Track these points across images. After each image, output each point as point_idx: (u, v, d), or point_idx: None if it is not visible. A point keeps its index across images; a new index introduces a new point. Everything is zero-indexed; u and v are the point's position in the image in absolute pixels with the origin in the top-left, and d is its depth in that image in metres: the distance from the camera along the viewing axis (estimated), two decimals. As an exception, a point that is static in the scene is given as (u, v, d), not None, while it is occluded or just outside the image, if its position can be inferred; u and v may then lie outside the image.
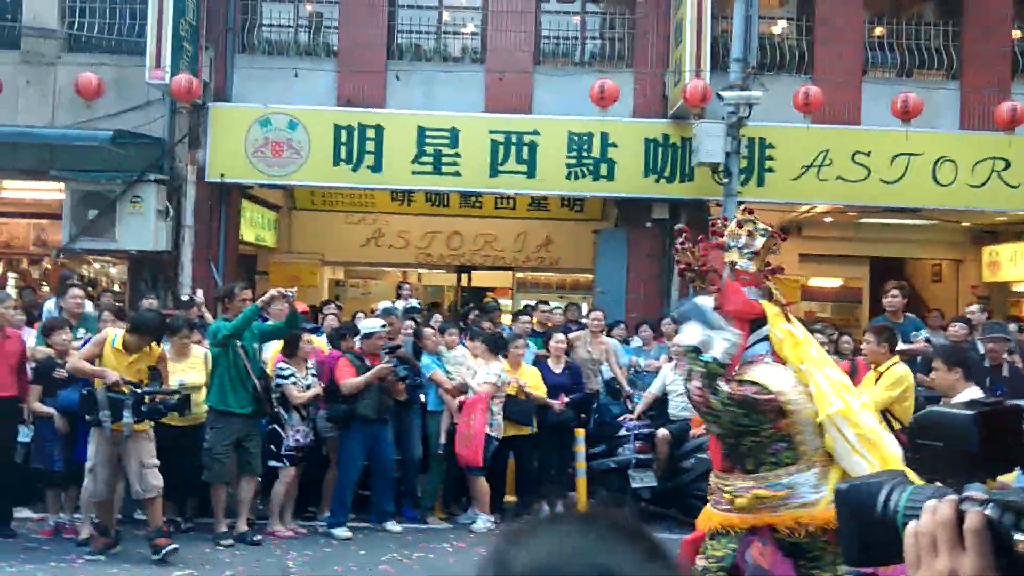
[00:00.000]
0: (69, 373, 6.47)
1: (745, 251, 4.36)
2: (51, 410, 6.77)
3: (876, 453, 3.98)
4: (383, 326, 7.56)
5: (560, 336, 8.25)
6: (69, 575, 5.82)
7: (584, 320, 9.54)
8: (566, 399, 7.79)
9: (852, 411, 4.02)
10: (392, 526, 7.27)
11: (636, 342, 9.42)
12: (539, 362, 8.11)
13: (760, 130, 10.28)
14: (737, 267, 4.33)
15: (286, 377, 7.14)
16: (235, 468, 6.94)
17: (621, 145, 10.57)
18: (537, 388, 7.67)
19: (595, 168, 10.61)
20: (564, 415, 7.78)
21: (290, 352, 7.26)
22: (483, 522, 7.33)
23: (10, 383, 6.59)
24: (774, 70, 10.88)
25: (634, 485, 7.49)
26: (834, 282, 14.81)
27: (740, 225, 4.38)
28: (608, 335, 8.96)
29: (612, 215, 12.20)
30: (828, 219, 12.78)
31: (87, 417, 6.17)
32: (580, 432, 7.87)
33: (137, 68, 10.50)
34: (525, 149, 10.69)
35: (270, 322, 7.46)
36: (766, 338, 4.23)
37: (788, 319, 4.32)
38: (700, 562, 4.15)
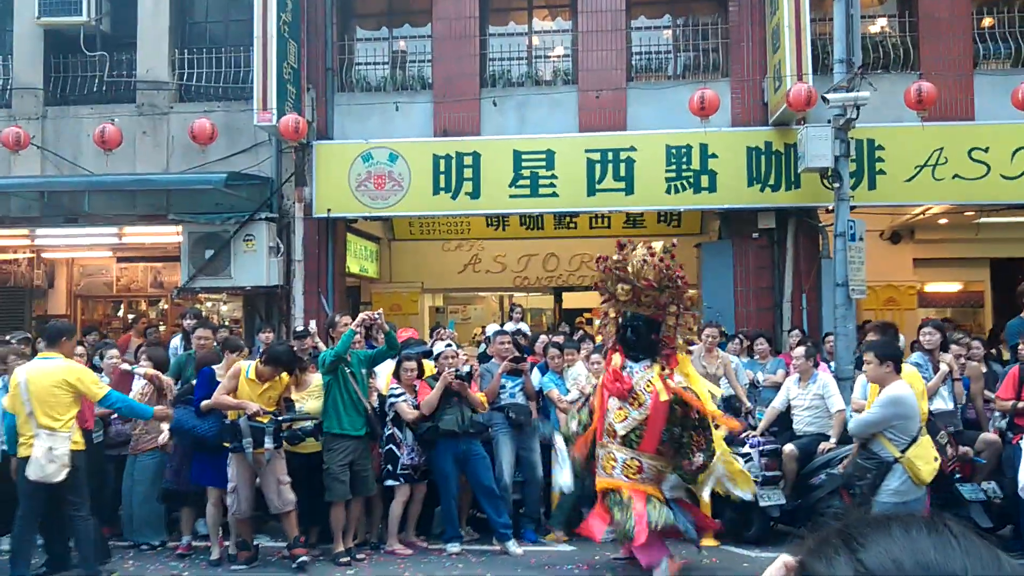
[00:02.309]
0: (210, 407, 6.84)
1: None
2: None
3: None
4: (447, 346, 7.75)
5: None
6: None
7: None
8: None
9: None
10: (513, 548, 7.24)
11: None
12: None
13: (869, 131, 9.94)
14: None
15: (397, 396, 7.35)
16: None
17: (722, 155, 10.38)
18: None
19: (695, 180, 10.44)
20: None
21: (398, 376, 7.51)
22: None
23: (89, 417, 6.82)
24: (878, 69, 10.53)
25: (761, 504, 7.21)
26: (952, 286, 14.10)
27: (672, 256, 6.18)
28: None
29: (713, 228, 11.98)
30: (943, 220, 12.22)
31: (230, 444, 6.61)
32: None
33: (243, 113, 10.97)
34: (622, 166, 10.62)
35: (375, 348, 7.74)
36: None
37: None
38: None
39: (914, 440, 5.43)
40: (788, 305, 10.49)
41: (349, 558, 6.99)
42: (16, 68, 11.79)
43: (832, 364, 8.60)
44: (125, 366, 7.72)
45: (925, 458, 5.42)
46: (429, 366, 8.03)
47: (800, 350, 7.77)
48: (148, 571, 6.80)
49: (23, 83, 11.71)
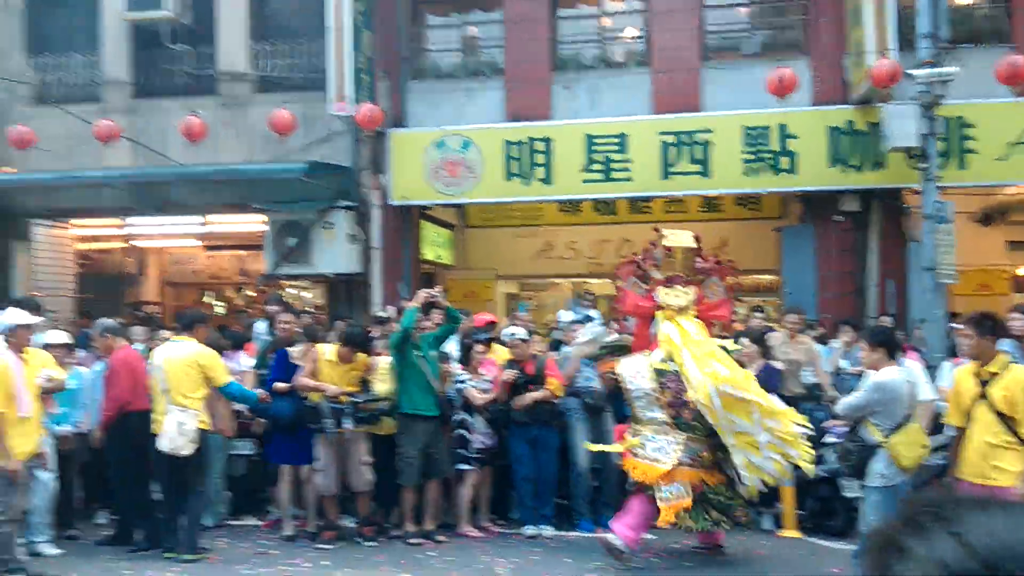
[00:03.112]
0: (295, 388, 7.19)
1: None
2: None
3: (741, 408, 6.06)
4: (512, 335, 7.78)
5: (745, 340, 7.95)
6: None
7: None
8: None
9: (708, 392, 6.04)
10: (586, 532, 7.32)
11: (834, 344, 8.93)
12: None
13: (957, 108, 9.54)
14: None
15: (464, 382, 7.49)
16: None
17: (802, 136, 10.12)
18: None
19: (775, 162, 10.20)
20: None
21: (464, 361, 7.64)
22: None
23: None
24: (966, 43, 10.07)
25: (845, 494, 7.08)
26: (1048, 269, 13.46)
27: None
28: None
29: (794, 211, 11.70)
30: (1039, 200, 11.66)
31: (314, 426, 6.93)
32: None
33: (319, 102, 11.15)
34: (698, 148, 10.45)
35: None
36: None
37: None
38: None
39: (899, 426, 5.46)
40: (874, 290, 10.19)
41: (422, 540, 7.13)
42: (105, 63, 12.26)
43: (922, 351, 8.33)
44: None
45: (910, 444, 5.45)
46: (503, 352, 8.13)
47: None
48: (240, 548, 7.08)
49: (112, 77, 12.17)
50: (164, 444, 6.52)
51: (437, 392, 7.26)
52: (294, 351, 7.53)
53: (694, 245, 7.00)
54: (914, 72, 8.79)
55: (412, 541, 7.13)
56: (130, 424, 6.97)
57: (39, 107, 12.39)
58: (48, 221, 12.27)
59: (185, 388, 6.56)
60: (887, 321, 9.05)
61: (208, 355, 6.74)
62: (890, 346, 5.66)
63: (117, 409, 6.94)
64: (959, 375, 5.47)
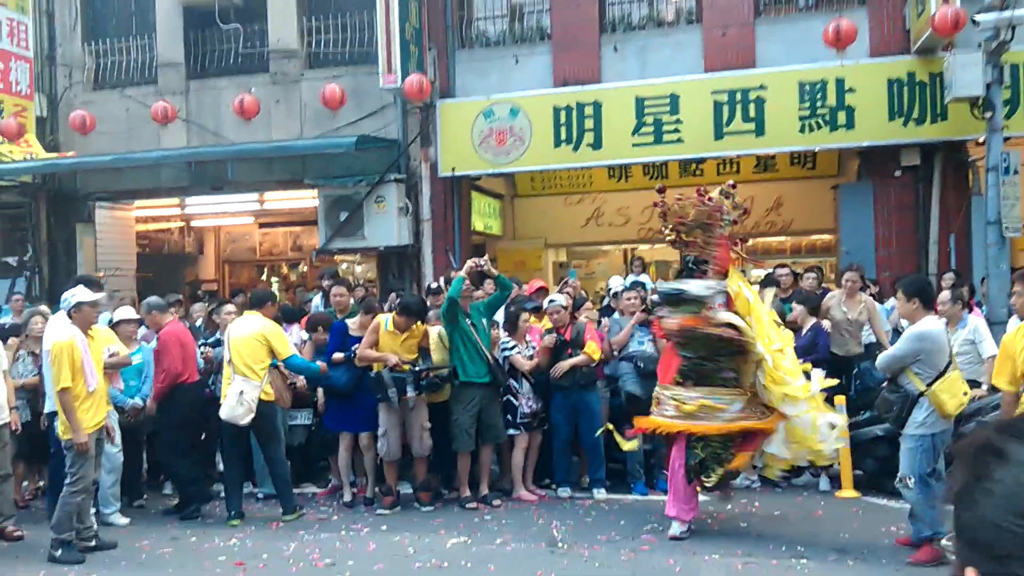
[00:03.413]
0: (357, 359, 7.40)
1: (725, 219, 6.11)
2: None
3: (777, 390, 5.77)
4: (551, 302, 7.79)
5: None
6: (357, 543, 6.32)
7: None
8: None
9: (767, 360, 5.72)
10: (640, 495, 7.38)
11: (892, 302, 8.69)
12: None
13: (1023, 55, 9.11)
14: (720, 232, 6.12)
15: (511, 349, 7.57)
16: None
17: (860, 89, 9.78)
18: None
19: (832, 118, 9.90)
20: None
21: (511, 329, 7.70)
22: (743, 479, 7.38)
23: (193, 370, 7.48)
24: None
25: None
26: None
27: (726, 196, 6.16)
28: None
29: (852, 168, 11.37)
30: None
31: (378, 396, 7.13)
32: (841, 399, 7.39)
33: (368, 76, 11.21)
34: (752, 107, 10.20)
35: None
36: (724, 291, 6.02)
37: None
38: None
39: (941, 375, 5.44)
40: (935, 247, 9.86)
41: (477, 503, 7.27)
42: (159, 45, 12.50)
43: (984, 308, 8.07)
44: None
45: (952, 392, 5.44)
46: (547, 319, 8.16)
47: (946, 294, 7.32)
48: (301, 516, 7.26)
49: (167, 59, 12.41)
50: (224, 412, 6.79)
51: (489, 359, 7.32)
52: (351, 323, 7.67)
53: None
54: (978, 17, 8.41)
55: (468, 506, 7.25)
56: (181, 396, 7.23)
57: (98, 91, 12.73)
58: (110, 203, 12.63)
59: (250, 359, 6.84)
60: (950, 278, 8.77)
61: (274, 329, 7.07)
62: (925, 296, 5.66)
63: (168, 382, 7.17)
64: (1007, 337, 5.22)
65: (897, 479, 5.78)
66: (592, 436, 7.43)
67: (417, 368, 7.13)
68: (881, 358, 5.93)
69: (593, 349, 7.45)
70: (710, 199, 6.20)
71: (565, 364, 7.43)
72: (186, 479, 7.41)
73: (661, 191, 6.55)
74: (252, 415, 6.79)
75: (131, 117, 12.37)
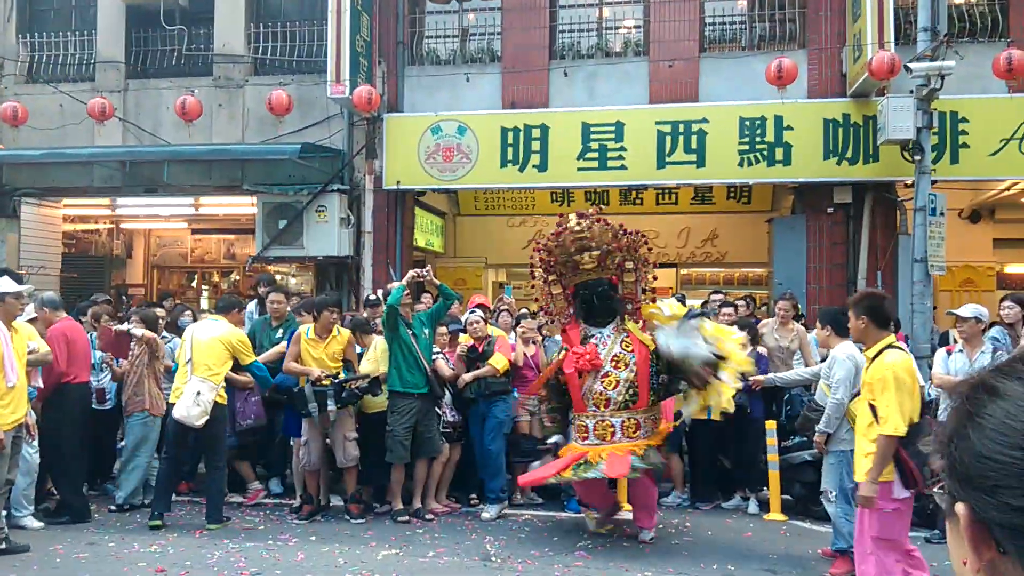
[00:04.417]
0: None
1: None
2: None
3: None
4: (472, 312, 7.93)
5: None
6: (285, 553, 6.14)
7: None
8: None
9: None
10: (486, 513, 7.34)
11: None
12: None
13: (952, 103, 9.58)
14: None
15: (437, 353, 7.65)
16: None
17: (797, 128, 10.13)
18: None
19: (770, 153, 10.22)
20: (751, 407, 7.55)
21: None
22: (674, 498, 7.81)
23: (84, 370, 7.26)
24: (964, 38, 10.12)
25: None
26: (1034, 268, 13.55)
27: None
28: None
29: (786, 203, 11.72)
30: (1028, 198, 11.73)
31: (300, 411, 7.09)
32: (771, 424, 7.56)
33: (316, 86, 11.12)
34: (693, 138, 10.45)
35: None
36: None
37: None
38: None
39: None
40: (863, 282, 10.21)
41: (410, 517, 7.16)
42: (100, 42, 12.16)
43: (909, 342, 8.36)
44: (119, 327, 7.79)
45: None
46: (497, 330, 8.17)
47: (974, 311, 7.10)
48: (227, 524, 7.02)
49: (106, 57, 12.08)
50: (179, 411, 6.69)
51: (427, 371, 7.25)
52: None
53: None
54: (912, 65, 8.81)
55: (400, 519, 7.12)
56: (67, 396, 6.99)
57: (31, 84, 12.30)
58: (37, 200, 12.16)
59: (211, 361, 6.83)
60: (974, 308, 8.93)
61: (237, 334, 7.08)
62: (837, 324, 5.90)
63: (53, 381, 6.88)
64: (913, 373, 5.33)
65: (820, 492, 5.97)
66: (487, 445, 7.41)
67: (338, 380, 7.10)
68: (831, 399, 5.79)
69: (498, 360, 7.47)
70: (606, 221, 6.68)
71: (468, 375, 7.48)
72: (68, 488, 7.10)
73: (582, 216, 6.70)
74: (206, 417, 6.69)
75: (65, 113, 11.97)
